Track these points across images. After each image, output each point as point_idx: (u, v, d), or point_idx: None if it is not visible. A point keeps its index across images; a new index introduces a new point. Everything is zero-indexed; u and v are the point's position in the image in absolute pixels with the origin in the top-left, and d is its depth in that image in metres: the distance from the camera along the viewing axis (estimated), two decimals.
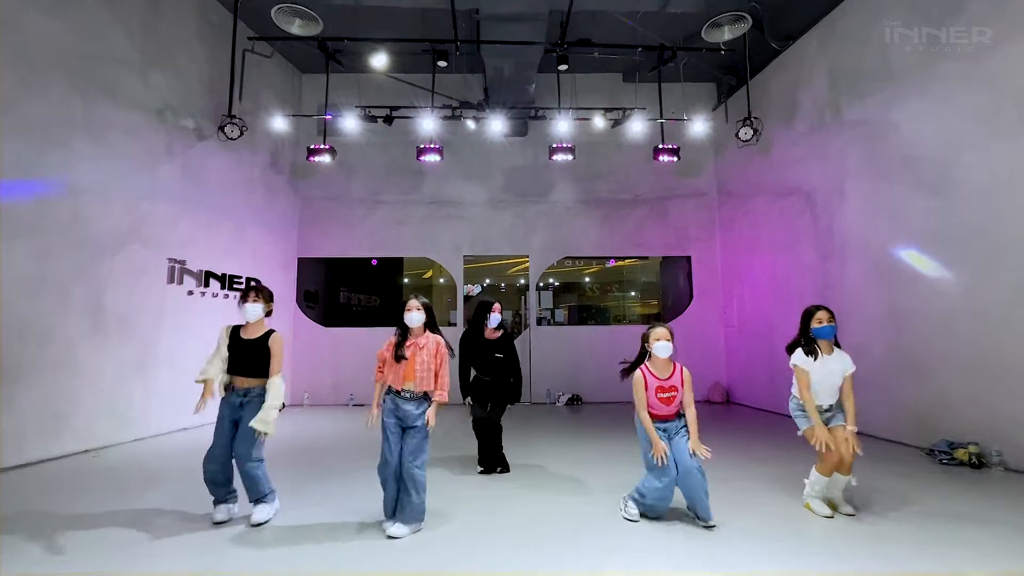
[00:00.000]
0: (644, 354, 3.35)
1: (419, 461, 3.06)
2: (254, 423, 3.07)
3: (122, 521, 3.19)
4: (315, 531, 3.08)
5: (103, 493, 3.78)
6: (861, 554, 2.74)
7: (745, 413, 7.64)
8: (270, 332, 3.33)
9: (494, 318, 4.38)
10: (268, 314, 3.38)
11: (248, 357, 3.23)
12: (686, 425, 3.24)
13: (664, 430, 3.23)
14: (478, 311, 4.41)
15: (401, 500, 3.04)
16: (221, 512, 3.22)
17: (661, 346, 3.23)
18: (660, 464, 3.10)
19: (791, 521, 3.21)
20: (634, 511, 3.24)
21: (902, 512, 3.35)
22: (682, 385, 3.26)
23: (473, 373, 4.41)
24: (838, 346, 3.42)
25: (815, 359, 3.32)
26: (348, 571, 2.58)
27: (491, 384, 4.36)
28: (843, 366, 3.35)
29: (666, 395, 3.23)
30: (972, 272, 4.80)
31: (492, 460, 4.38)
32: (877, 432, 5.53)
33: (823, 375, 3.33)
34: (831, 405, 3.38)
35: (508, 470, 4.39)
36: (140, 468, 4.51)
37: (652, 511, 3.22)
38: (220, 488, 3.23)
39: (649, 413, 3.23)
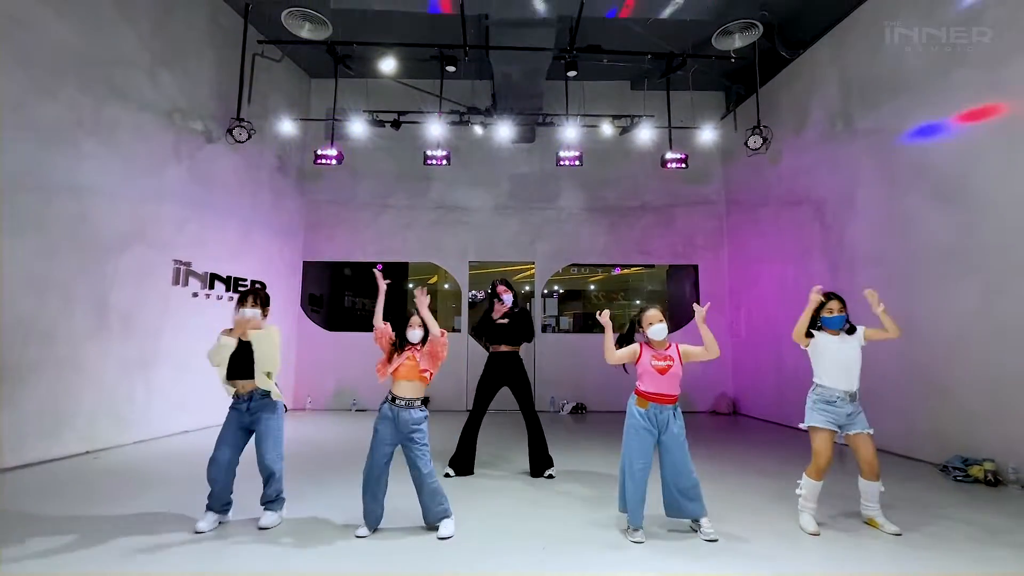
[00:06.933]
0: (629, 337, 3.26)
1: (432, 477, 3.09)
2: (275, 396, 3.24)
3: (122, 525, 3.13)
4: (320, 534, 3.01)
5: (104, 495, 3.73)
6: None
7: (752, 425, 7.52)
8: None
9: (507, 297, 4.68)
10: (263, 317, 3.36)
11: (246, 358, 3.19)
12: (678, 423, 3.13)
13: (656, 416, 3.08)
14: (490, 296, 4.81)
15: (430, 508, 3.09)
16: (208, 521, 3.11)
17: (656, 330, 3.15)
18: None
19: (799, 539, 3.12)
20: (639, 536, 3.04)
21: (921, 532, 3.24)
22: (679, 354, 3.17)
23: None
24: (851, 332, 3.43)
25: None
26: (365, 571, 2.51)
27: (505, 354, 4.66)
28: (857, 340, 3.38)
29: (662, 363, 3.11)
30: (987, 286, 4.71)
31: (467, 463, 4.46)
32: (889, 447, 5.41)
33: (836, 351, 3.34)
34: (852, 394, 3.29)
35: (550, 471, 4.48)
36: (141, 470, 4.45)
37: (632, 505, 3.05)
38: (220, 495, 3.17)
39: (642, 393, 3.12)
